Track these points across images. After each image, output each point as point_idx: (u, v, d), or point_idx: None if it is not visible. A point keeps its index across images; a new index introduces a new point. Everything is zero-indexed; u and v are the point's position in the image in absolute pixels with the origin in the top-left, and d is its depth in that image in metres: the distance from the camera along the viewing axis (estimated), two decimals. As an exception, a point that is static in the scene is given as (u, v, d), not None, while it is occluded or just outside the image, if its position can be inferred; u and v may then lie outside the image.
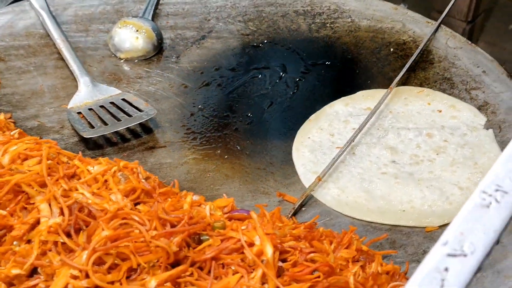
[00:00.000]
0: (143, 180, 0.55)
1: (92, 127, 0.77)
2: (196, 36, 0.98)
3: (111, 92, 0.84)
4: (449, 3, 0.98)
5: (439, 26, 0.93)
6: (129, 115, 0.79)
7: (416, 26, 0.96)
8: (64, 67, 0.90)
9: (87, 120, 0.79)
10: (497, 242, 0.36)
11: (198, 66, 0.92)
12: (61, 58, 0.91)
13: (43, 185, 0.52)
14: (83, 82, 0.85)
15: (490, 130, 0.76)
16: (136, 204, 0.54)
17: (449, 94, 0.83)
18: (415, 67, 0.88)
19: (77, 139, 0.78)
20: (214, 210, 0.57)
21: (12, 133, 0.62)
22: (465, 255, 0.35)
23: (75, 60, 0.89)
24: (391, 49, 0.93)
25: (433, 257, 0.35)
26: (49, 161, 0.54)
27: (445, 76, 0.86)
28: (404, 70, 0.84)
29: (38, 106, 0.83)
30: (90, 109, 0.81)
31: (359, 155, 0.76)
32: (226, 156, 0.77)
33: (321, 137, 0.80)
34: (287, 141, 0.79)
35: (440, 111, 0.80)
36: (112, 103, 0.82)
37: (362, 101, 0.84)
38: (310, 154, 0.77)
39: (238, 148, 0.78)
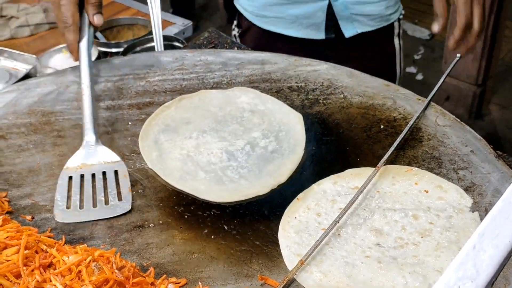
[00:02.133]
0: (117, 271, 0.56)
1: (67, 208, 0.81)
2: (192, 113, 1.01)
3: (109, 158, 0.88)
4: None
5: (428, 104, 0.94)
6: (106, 202, 0.82)
7: (407, 103, 0.97)
8: (62, 144, 0.93)
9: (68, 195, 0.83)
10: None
11: (192, 143, 0.94)
12: (60, 135, 0.94)
13: (18, 275, 0.53)
14: (87, 141, 0.90)
15: (476, 213, 0.76)
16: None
17: (437, 174, 0.83)
18: (404, 145, 0.89)
19: (67, 218, 0.80)
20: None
21: (-4, 220, 0.64)
22: None
23: (90, 114, 0.92)
24: (382, 126, 0.94)
25: None
26: (27, 251, 0.55)
27: (434, 155, 0.87)
28: (392, 149, 0.85)
29: (33, 185, 0.86)
30: (81, 175, 0.85)
31: (344, 236, 0.76)
32: (212, 236, 0.78)
33: (308, 217, 0.80)
34: (275, 220, 0.80)
35: (427, 192, 0.80)
36: (104, 173, 0.86)
37: (350, 179, 0.85)
38: (296, 235, 0.77)
39: (226, 228, 0.79)
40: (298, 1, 1.32)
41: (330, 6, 1.33)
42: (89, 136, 0.90)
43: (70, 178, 0.85)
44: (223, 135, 0.92)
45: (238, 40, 1.49)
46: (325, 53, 1.37)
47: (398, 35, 1.45)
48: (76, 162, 0.87)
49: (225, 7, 3.63)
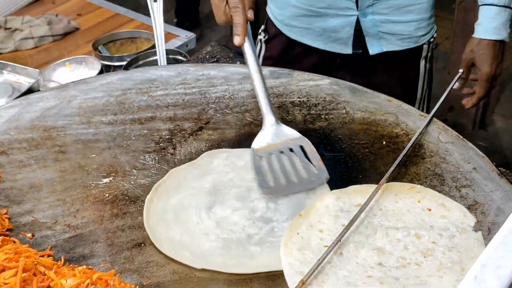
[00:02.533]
0: (115, 294, 0.55)
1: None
2: (193, 127, 1.01)
3: (291, 135, 0.92)
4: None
5: (431, 120, 0.94)
6: (301, 177, 0.86)
7: (409, 119, 0.97)
8: (63, 160, 0.93)
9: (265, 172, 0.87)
10: None
11: (194, 158, 0.94)
12: (61, 151, 0.94)
13: (16, 299, 0.53)
14: (268, 121, 0.92)
15: (479, 233, 0.75)
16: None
17: (440, 191, 0.82)
18: (407, 162, 0.89)
19: (68, 235, 0.80)
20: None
21: (-5, 240, 0.63)
22: None
23: (265, 97, 0.94)
24: (384, 142, 0.94)
25: None
26: (25, 273, 0.55)
27: (436, 172, 0.86)
28: (394, 166, 0.85)
29: (34, 201, 0.85)
30: (270, 154, 0.89)
31: (346, 255, 0.75)
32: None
33: (310, 234, 0.79)
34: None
35: (430, 210, 0.80)
36: (290, 149, 0.90)
37: (353, 196, 0.84)
38: (298, 252, 0.77)
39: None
40: (326, 14, 1.30)
41: (358, 22, 1.29)
42: (269, 118, 0.92)
43: (261, 158, 0.88)
44: (235, 204, 0.85)
45: (264, 46, 1.47)
46: (350, 68, 1.34)
47: (426, 57, 1.39)
48: (263, 143, 0.91)
49: None
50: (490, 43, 1.17)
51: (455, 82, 1.01)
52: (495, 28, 1.18)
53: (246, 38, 0.95)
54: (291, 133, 0.92)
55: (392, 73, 1.37)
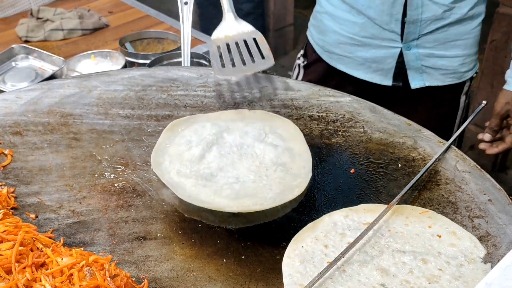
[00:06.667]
0: (109, 279, 0.54)
1: (223, 66, 1.01)
2: (209, 130, 1.00)
3: (246, 29, 1.07)
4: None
5: (449, 147, 0.92)
6: (250, 61, 1.01)
7: (428, 144, 0.95)
8: (76, 147, 0.93)
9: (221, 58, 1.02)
10: None
11: (206, 160, 0.93)
12: (75, 138, 0.95)
13: (10, 271, 0.52)
14: (228, 16, 1.08)
15: (488, 265, 0.72)
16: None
17: (452, 219, 0.80)
18: (421, 186, 0.87)
19: (71, 221, 0.79)
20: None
21: (-3, 213, 0.63)
22: None
23: None
24: (400, 165, 0.92)
25: None
26: (23, 247, 0.54)
27: (450, 200, 0.84)
28: (407, 188, 0.83)
29: (42, 184, 0.85)
30: (227, 44, 1.04)
31: (349, 272, 0.73)
32: (214, 257, 0.76)
33: (315, 248, 0.78)
34: (280, 248, 0.78)
35: (440, 236, 0.77)
36: (244, 41, 1.04)
37: (363, 214, 0.83)
38: (300, 264, 0.75)
39: (228, 250, 0.77)
40: (369, 44, 1.28)
41: (401, 54, 1.27)
42: (229, 14, 1.08)
43: (218, 47, 1.03)
44: None
45: (302, 71, 1.46)
46: (388, 100, 1.27)
47: (466, 93, 1.36)
48: (221, 33, 1.06)
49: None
50: None
51: (477, 113, 0.99)
52: None
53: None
54: (246, 27, 1.06)
55: (432, 108, 1.34)
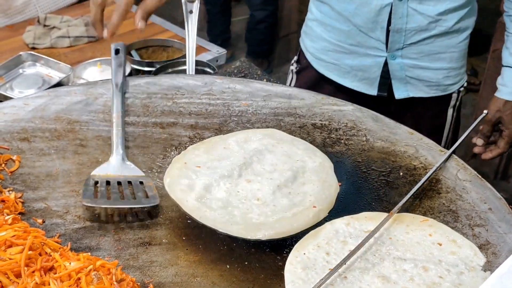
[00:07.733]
0: (115, 283, 0.56)
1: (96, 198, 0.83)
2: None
3: (134, 173, 0.90)
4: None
5: (450, 156, 0.93)
6: (134, 198, 0.84)
7: (429, 153, 0.96)
8: (83, 153, 0.95)
9: (96, 190, 0.85)
10: None
11: (210, 167, 0.94)
12: (82, 144, 0.96)
13: (19, 274, 0.53)
14: (116, 157, 0.92)
15: (488, 273, 0.73)
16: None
17: (452, 228, 0.81)
18: (422, 194, 0.88)
19: (77, 226, 0.81)
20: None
21: (6, 217, 0.64)
22: None
23: (119, 135, 0.95)
24: (401, 173, 0.93)
25: None
26: (31, 252, 0.56)
27: (451, 208, 0.85)
28: (408, 197, 0.84)
29: (49, 189, 0.87)
30: (107, 182, 0.87)
31: (350, 279, 0.74)
32: (217, 263, 0.77)
33: (317, 255, 0.79)
34: (283, 254, 0.79)
35: (441, 245, 0.78)
36: (129, 182, 0.88)
37: (364, 222, 0.84)
38: (302, 271, 0.76)
39: (232, 256, 0.78)
40: (355, 52, 1.29)
41: (386, 64, 1.28)
42: (117, 154, 0.93)
43: (96, 183, 0.87)
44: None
45: (295, 76, 1.48)
46: (375, 110, 1.31)
47: (454, 106, 1.36)
48: (102, 172, 0.89)
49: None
50: None
51: (478, 122, 1.01)
52: None
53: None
54: (135, 171, 0.91)
55: (418, 119, 1.34)
